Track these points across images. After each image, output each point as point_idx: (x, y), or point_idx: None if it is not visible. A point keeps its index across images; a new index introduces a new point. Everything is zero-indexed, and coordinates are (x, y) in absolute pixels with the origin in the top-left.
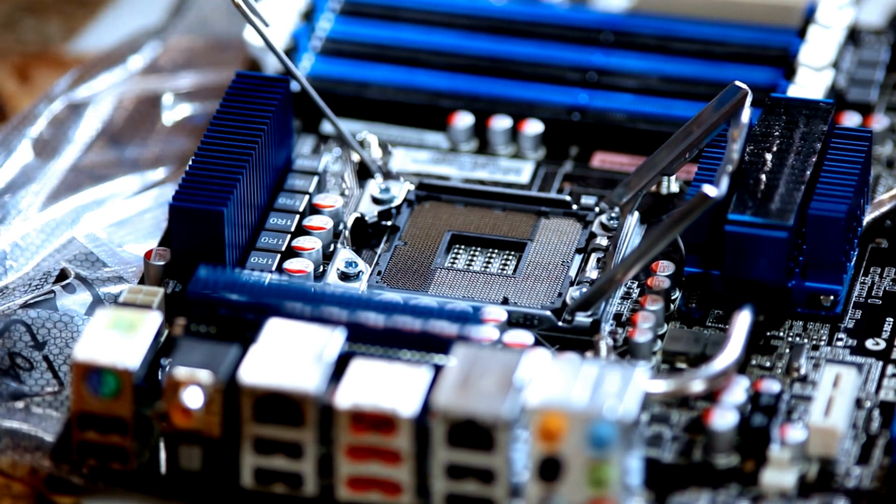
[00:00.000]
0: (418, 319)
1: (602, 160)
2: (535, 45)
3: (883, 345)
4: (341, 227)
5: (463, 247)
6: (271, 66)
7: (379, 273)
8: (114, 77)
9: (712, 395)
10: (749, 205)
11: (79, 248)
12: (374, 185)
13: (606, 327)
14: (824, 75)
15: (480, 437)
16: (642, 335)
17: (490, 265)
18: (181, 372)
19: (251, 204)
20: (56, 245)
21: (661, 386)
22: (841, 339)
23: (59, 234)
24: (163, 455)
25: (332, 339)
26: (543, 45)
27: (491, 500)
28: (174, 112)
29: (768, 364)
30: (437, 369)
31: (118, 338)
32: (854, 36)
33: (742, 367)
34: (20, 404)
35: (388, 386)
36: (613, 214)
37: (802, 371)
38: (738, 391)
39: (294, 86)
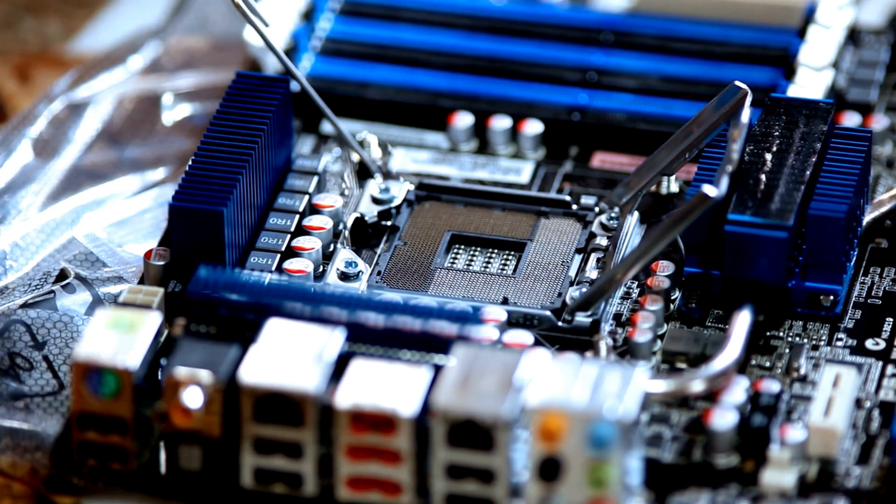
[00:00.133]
0: (418, 319)
1: (602, 160)
2: (535, 45)
3: (883, 345)
4: (341, 227)
5: (463, 247)
6: (271, 66)
7: (379, 273)
8: (114, 77)
9: (712, 395)
10: (749, 205)
11: (79, 248)
12: (374, 185)
13: (606, 327)
14: (824, 75)
15: (480, 437)
16: (642, 335)
17: (490, 265)
18: (181, 372)
19: (251, 204)
20: (56, 245)
21: (661, 386)
22: (841, 339)
23: (59, 234)
24: (163, 455)
25: (332, 339)
26: (543, 45)
27: (491, 500)
28: (174, 112)
29: (768, 364)
30: (437, 369)
31: (118, 338)
32: (854, 36)
33: (742, 367)
34: (20, 404)
35: (388, 386)
36: (613, 214)
37: (802, 371)
38: (738, 391)
39: (294, 86)
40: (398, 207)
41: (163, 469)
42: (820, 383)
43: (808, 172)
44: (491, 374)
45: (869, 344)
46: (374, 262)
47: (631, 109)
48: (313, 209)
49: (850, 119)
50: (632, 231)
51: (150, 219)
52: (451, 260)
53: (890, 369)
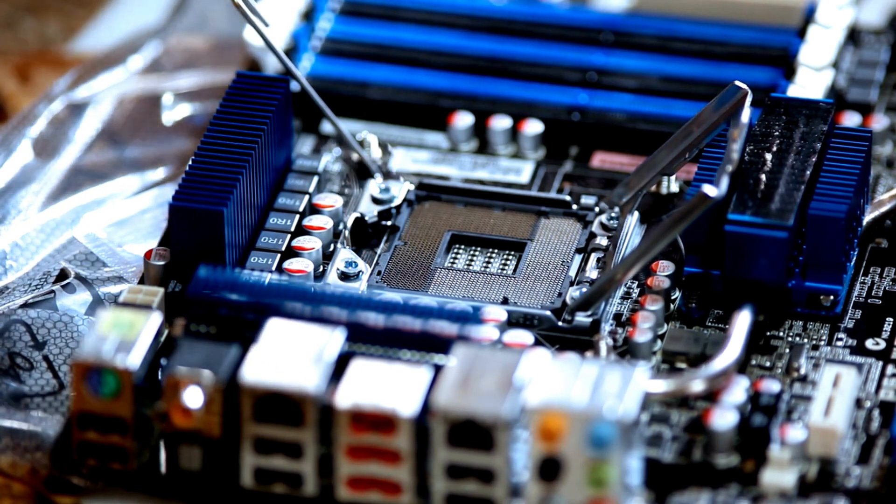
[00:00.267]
0: (418, 319)
1: (602, 160)
2: (535, 45)
3: (883, 345)
4: (341, 227)
5: (463, 247)
6: (271, 66)
7: (379, 273)
8: (114, 77)
9: (712, 395)
10: (749, 205)
11: (79, 248)
12: (374, 185)
13: (606, 327)
14: (824, 75)
15: (480, 437)
16: (642, 335)
17: (490, 265)
18: (181, 372)
19: (251, 204)
20: (56, 245)
21: (661, 386)
22: (841, 339)
23: (59, 234)
24: (163, 455)
25: (332, 339)
26: (543, 45)
27: (491, 500)
28: (174, 112)
29: (768, 364)
30: (437, 369)
31: (118, 338)
32: (854, 36)
33: (742, 367)
34: (20, 404)
35: (388, 386)
36: (613, 214)
37: (802, 371)
38: (738, 391)
39: (294, 86)
40: (398, 207)
41: (163, 469)
42: (820, 383)
43: (808, 172)
44: (491, 374)
45: (869, 344)
46: (374, 262)
47: (631, 109)
48: (313, 209)
49: (850, 119)
50: (632, 231)
51: (150, 219)
52: (451, 260)
53: (890, 369)
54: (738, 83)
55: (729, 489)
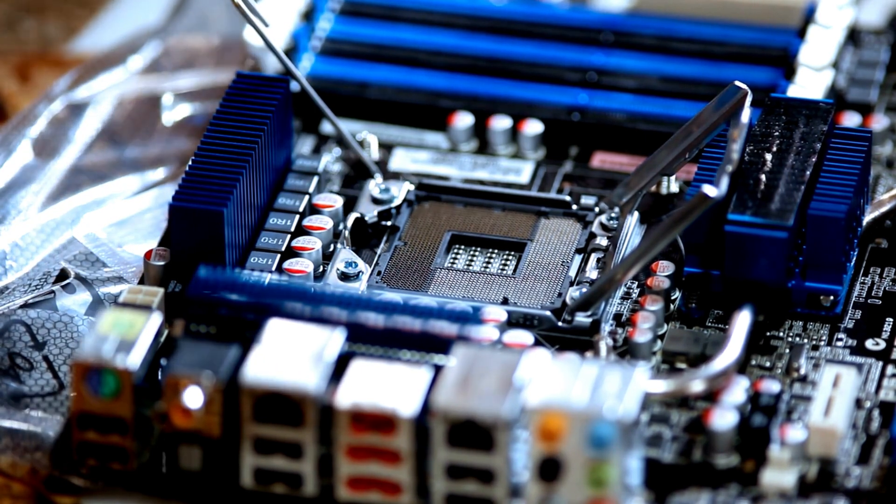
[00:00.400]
0: (418, 319)
1: (602, 160)
2: (535, 45)
3: (883, 345)
4: (341, 227)
5: (463, 247)
6: (271, 66)
7: (379, 273)
8: (114, 77)
9: (712, 395)
10: (749, 205)
11: (79, 248)
12: (374, 185)
13: (606, 327)
14: (824, 75)
15: (480, 437)
16: (642, 335)
17: (490, 265)
18: (181, 372)
19: (251, 204)
20: (56, 245)
21: (661, 386)
22: (841, 339)
23: (59, 234)
24: (163, 455)
25: (332, 339)
26: (543, 45)
27: (491, 500)
28: (174, 112)
29: (768, 364)
30: (437, 369)
31: (118, 338)
32: (854, 36)
33: (742, 367)
34: (20, 404)
35: (388, 386)
36: (613, 214)
37: (802, 371)
38: (738, 391)
39: (294, 86)
40: (398, 207)
41: (163, 469)
42: (820, 383)
43: (808, 172)
44: (491, 374)
45: (869, 344)
46: (375, 262)
47: (631, 109)
48: (313, 209)
49: (850, 119)
50: (632, 231)
51: (150, 219)
52: (451, 260)
53: (890, 369)
54: (738, 83)
55: (729, 489)
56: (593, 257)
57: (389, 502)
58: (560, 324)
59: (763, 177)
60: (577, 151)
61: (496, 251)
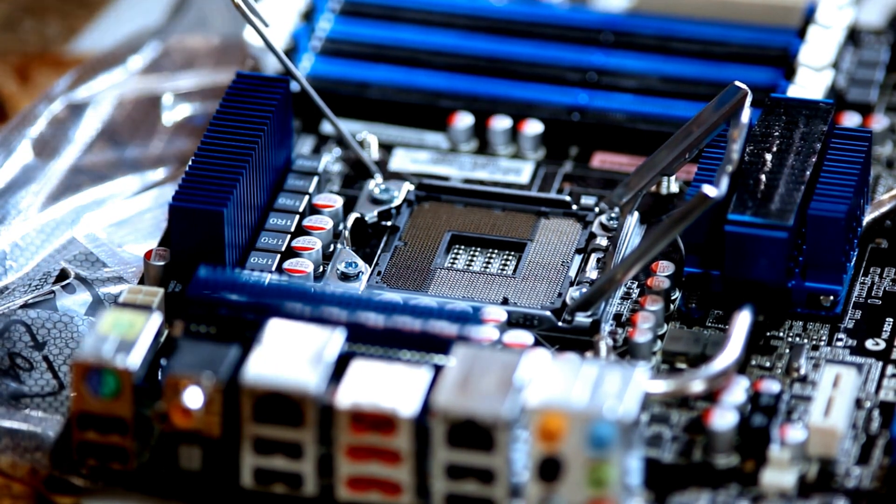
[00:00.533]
0: (418, 319)
1: (602, 160)
2: (535, 45)
3: (883, 345)
4: (341, 227)
5: (463, 247)
6: (271, 66)
7: (379, 273)
8: (114, 77)
9: (712, 395)
10: (749, 205)
11: (79, 248)
12: (374, 185)
13: (606, 327)
14: (824, 75)
15: (480, 437)
16: (642, 335)
17: (490, 265)
18: (181, 372)
19: (251, 204)
20: (56, 245)
21: (661, 386)
22: (841, 340)
23: (59, 234)
24: (163, 455)
25: (332, 339)
26: (543, 45)
27: (491, 501)
28: (174, 112)
29: (768, 364)
30: (437, 369)
31: (118, 338)
32: (854, 36)
33: (742, 367)
34: (20, 404)
35: (388, 386)
36: (613, 214)
37: (802, 371)
38: (738, 391)
39: (294, 86)
40: (398, 207)
41: (163, 469)
42: (820, 383)
43: (808, 172)
44: (491, 375)
45: (869, 344)
46: (374, 262)
47: (631, 109)
48: (313, 209)
49: (850, 119)
50: (632, 231)
51: (150, 219)
52: (451, 260)
53: (890, 369)
54: (738, 83)
55: (729, 489)
56: (593, 257)
57: (389, 502)
58: (560, 324)
59: (763, 177)
60: (577, 151)
61: (496, 251)
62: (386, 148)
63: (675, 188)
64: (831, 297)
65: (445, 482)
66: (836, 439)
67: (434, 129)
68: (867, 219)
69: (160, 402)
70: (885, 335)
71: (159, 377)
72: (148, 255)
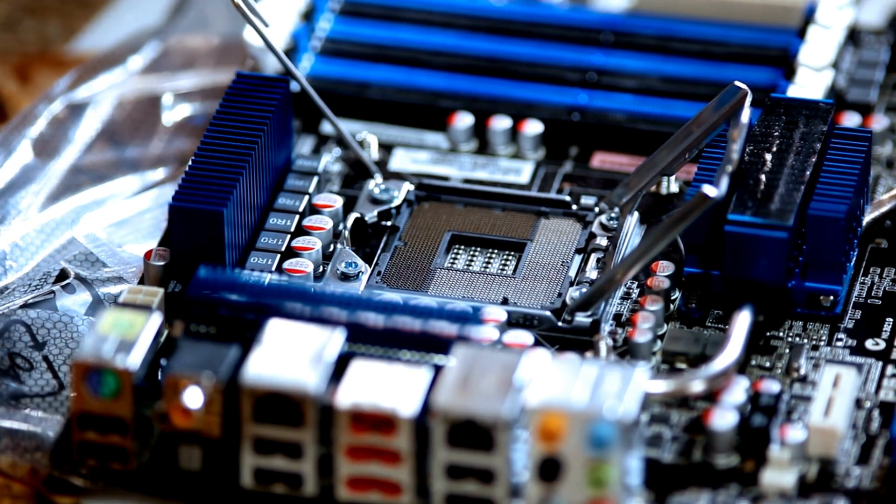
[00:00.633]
0: (418, 319)
1: (602, 160)
2: (535, 45)
3: (883, 345)
4: (341, 227)
5: (463, 247)
6: (271, 66)
7: (379, 273)
8: (114, 77)
9: (712, 396)
10: (749, 205)
11: (79, 248)
12: (374, 185)
13: (606, 327)
14: (824, 75)
15: (480, 437)
16: (642, 335)
17: (490, 265)
18: (181, 372)
19: (251, 204)
20: (56, 245)
21: (661, 386)
22: (841, 340)
23: (59, 234)
24: (163, 455)
25: (332, 339)
26: (543, 45)
27: (491, 501)
28: (174, 112)
29: (768, 364)
30: (437, 369)
31: (118, 338)
32: (854, 36)
33: (742, 367)
34: (20, 404)
35: (388, 386)
36: (613, 214)
37: (802, 371)
38: (737, 391)
39: (294, 86)
40: (398, 207)
41: (163, 469)
42: (820, 383)
43: (808, 172)
44: (491, 375)
45: (869, 344)
46: (374, 262)
47: (631, 109)
48: (313, 209)
49: (850, 119)
50: (632, 231)
51: (150, 219)
52: (451, 260)
53: (890, 369)
54: (738, 83)
55: (729, 489)
56: (593, 257)
57: (389, 502)
58: (560, 324)
59: (763, 177)
60: (577, 151)
61: (496, 251)
62: (386, 148)
63: (675, 188)
64: (831, 297)
65: (445, 482)
66: (836, 439)
67: (434, 129)
68: (867, 219)
69: (160, 402)
70: (885, 335)
71: (159, 377)
72: (148, 255)
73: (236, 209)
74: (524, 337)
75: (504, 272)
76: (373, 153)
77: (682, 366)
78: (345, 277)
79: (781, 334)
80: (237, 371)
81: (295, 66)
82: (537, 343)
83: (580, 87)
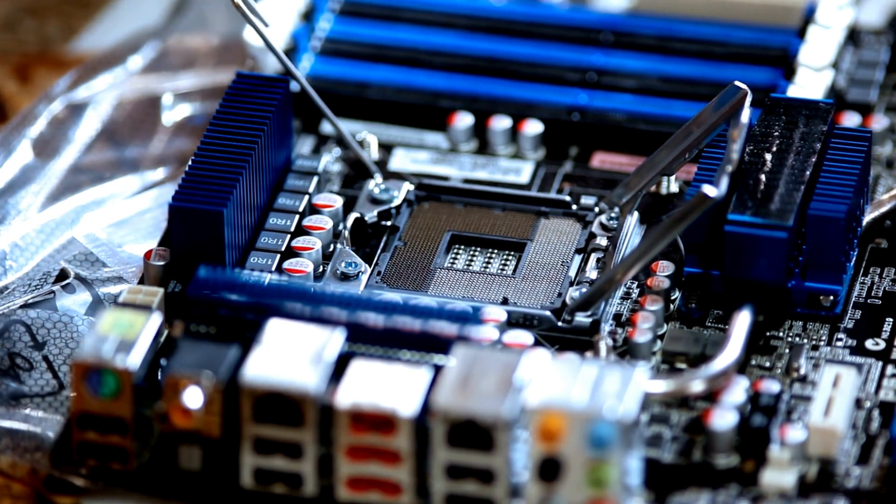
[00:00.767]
0: (418, 319)
1: (602, 160)
2: (535, 45)
3: (883, 345)
4: (341, 227)
5: (463, 247)
6: (271, 66)
7: (379, 273)
8: (114, 77)
9: (712, 395)
10: (749, 205)
11: (79, 248)
12: (374, 185)
13: (606, 327)
14: (824, 75)
15: (480, 437)
16: (642, 335)
17: (490, 265)
18: (181, 372)
19: (251, 204)
20: (56, 245)
21: (661, 386)
22: (841, 339)
23: (59, 234)
24: (163, 455)
25: (332, 339)
26: (543, 45)
27: (491, 501)
28: (174, 112)
29: (768, 364)
30: (437, 369)
31: (118, 338)
32: (854, 36)
33: (742, 367)
34: (20, 404)
35: (388, 386)
36: (613, 214)
37: (802, 371)
38: (737, 391)
39: (294, 86)
40: (398, 207)
41: (163, 469)
42: (820, 383)
43: (808, 172)
44: (491, 375)
45: (869, 344)
46: (374, 262)
47: (631, 109)
48: (313, 209)
49: (850, 119)
50: (632, 231)
51: (150, 219)
52: (451, 260)
53: (890, 369)
54: (738, 83)
55: (729, 489)
56: (593, 257)
57: (389, 502)
58: (560, 324)
59: (763, 177)
60: (577, 151)
61: (496, 251)
62: (386, 148)
63: (675, 188)
64: (831, 297)
65: (445, 482)
66: (835, 439)
67: (434, 129)
68: (867, 219)
69: (160, 402)
70: (885, 335)
71: (159, 377)
72: (148, 255)
73: (236, 209)
74: (524, 337)
75: (504, 272)
76: (373, 153)
77: (682, 366)
78: (345, 277)
79: (781, 334)
80: (237, 371)
81: (295, 66)
82: (537, 343)
83: (580, 87)
